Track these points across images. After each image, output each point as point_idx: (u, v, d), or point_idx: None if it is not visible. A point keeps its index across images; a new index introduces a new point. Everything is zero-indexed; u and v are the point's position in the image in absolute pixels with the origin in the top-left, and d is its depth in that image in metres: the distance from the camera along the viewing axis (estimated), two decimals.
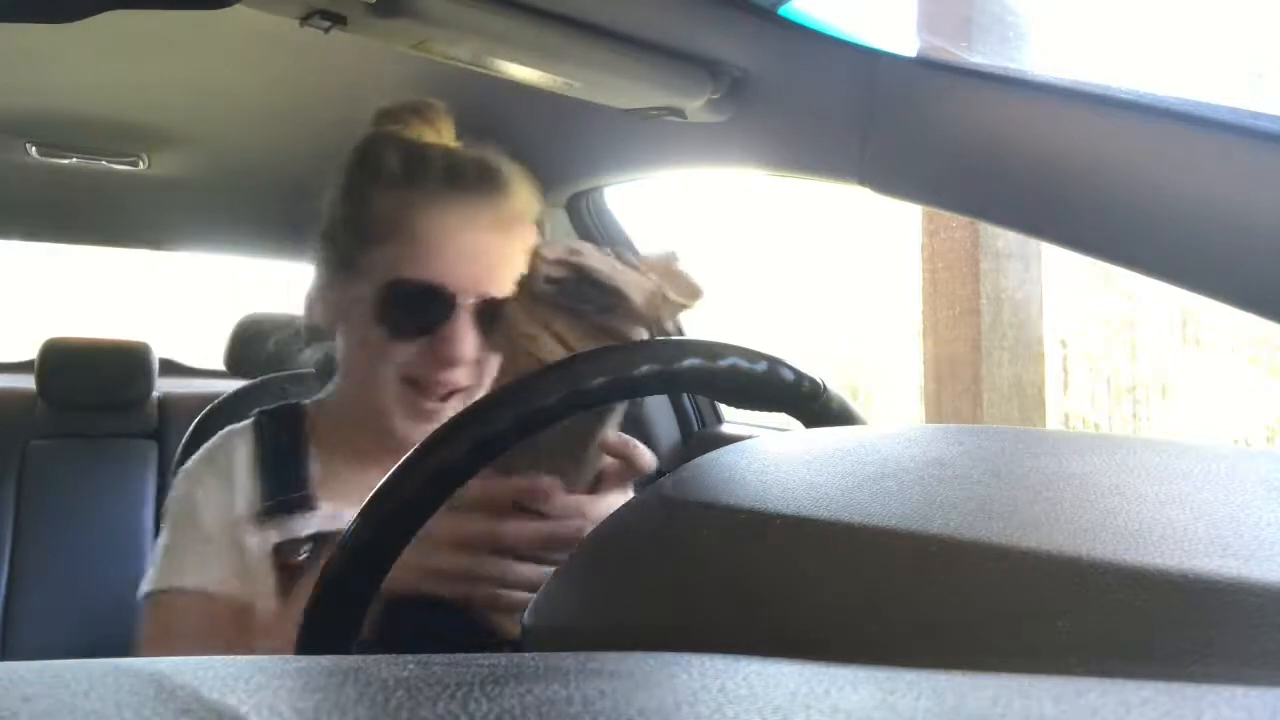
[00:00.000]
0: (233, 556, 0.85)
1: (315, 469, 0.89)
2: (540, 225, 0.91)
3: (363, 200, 0.86)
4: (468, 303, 0.82)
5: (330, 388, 0.96)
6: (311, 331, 0.99)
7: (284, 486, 0.87)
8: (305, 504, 0.86)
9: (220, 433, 0.92)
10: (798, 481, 0.38)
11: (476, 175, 0.85)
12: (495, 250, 0.83)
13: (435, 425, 0.81)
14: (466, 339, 0.81)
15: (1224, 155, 0.63)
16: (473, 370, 0.84)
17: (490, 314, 0.82)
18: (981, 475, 0.36)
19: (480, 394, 0.79)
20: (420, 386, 0.84)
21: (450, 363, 0.82)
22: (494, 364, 0.80)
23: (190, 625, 0.83)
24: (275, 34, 1.06)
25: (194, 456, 0.91)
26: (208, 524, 0.85)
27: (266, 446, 0.89)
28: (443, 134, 0.90)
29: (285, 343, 1.13)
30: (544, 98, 0.95)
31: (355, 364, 0.88)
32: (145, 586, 0.85)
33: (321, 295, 0.91)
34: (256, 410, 0.94)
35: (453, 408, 0.83)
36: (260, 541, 0.85)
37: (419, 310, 0.82)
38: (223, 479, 0.87)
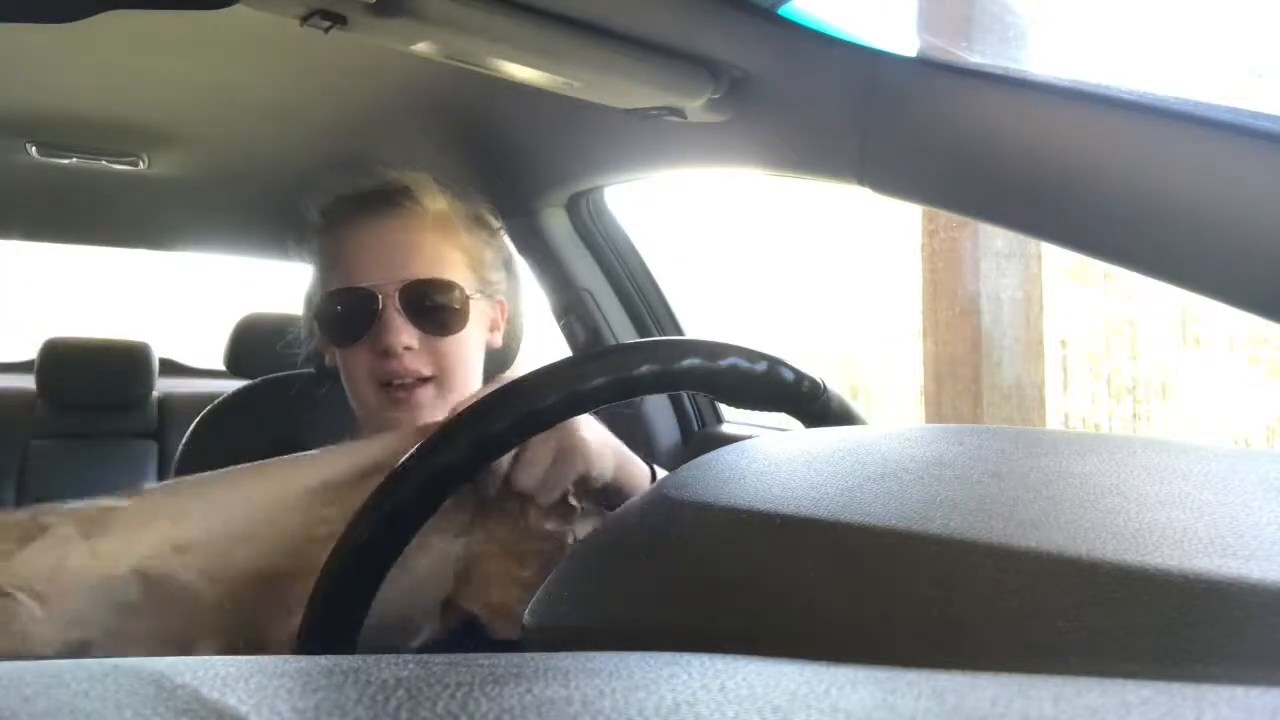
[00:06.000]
0: None
1: None
2: (472, 219, 0.97)
3: (313, 254, 0.99)
4: (390, 295, 0.88)
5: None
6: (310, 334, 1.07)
7: None
8: None
9: None
10: (798, 481, 0.38)
11: (378, 195, 0.94)
12: (405, 246, 0.91)
13: (413, 411, 0.87)
14: (394, 325, 0.88)
15: (1224, 155, 0.63)
16: (423, 358, 0.89)
17: (415, 300, 0.88)
18: (981, 475, 0.36)
19: (451, 381, 0.90)
20: (383, 381, 0.90)
21: (388, 351, 0.88)
22: (456, 349, 0.90)
23: None
24: (275, 34, 1.06)
25: None
26: None
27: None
28: None
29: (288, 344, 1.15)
30: (544, 98, 0.95)
31: (345, 378, 0.96)
32: None
33: (313, 339, 1.01)
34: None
35: (428, 396, 0.89)
36: None
37: (352, 315, 0.90)
38: None
